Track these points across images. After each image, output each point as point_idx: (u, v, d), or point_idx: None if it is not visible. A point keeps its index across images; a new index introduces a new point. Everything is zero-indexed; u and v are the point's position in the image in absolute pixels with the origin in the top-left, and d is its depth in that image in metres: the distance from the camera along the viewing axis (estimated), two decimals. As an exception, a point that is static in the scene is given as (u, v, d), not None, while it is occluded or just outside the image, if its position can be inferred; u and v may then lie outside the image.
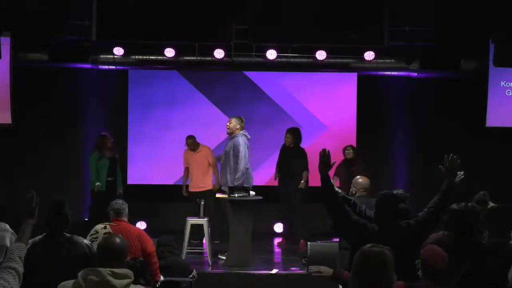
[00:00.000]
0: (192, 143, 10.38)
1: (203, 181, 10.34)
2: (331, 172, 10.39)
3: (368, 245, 3.27)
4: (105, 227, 6.14)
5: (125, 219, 6.28)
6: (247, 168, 8.94)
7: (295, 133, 10.43)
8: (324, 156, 5.08)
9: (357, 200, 6.07)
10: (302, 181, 10.18)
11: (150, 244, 6.25)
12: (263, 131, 11.04)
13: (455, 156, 5.01)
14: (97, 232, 6.12)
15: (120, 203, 6.35)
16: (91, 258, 4.56)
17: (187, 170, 10.51)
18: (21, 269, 3.70)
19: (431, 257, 4.08)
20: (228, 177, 8.87)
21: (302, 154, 10.36)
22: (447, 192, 5.04)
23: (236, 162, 8.79)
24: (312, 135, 11.65)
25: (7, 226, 5.35)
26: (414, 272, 4.16)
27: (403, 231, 4.95)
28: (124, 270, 3.47)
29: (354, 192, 6.47)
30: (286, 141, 10.40)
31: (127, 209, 6.34)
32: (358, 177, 6.58)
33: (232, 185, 8.66)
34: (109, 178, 10.22)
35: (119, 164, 10.49)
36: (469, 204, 5.30)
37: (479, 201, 6.30)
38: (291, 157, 10.29)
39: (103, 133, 10.43)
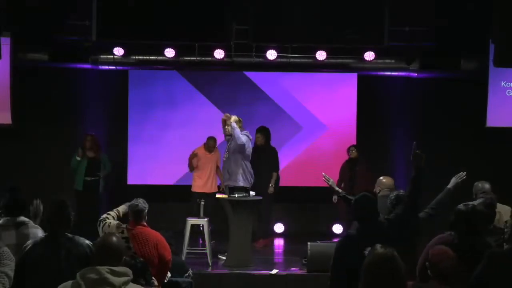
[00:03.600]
0: (214, 145, 10.39)
1: (213, 183, 10.36)
2: (337, 174, 10.51)
3: (378, 246, 3.27)
4: (122, 232, 5.90)
5: (144, 221, 6.01)
6: (248, 168, 8.94)
7: (265, 132, 10.40)
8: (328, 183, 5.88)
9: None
10: (271, 185, 10.13)
11: (168, 252, 5.99)
12: (263, 131, 11.02)
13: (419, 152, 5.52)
14: None
15: (141, 203, 6.03)
16: (92, 258, 4.55)
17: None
18: (11, 273, 3.70)
19: (436, 256, 4.09)
20: (235, 175, 8.83)
21: (272, 154, 10.34)
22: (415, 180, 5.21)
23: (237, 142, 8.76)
24: (312, 135, 11.66)
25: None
26: None
27: (382, 227, 5.01)
28: (122, 268, 3.49)
29: (378, 191, 6.45)
30: (257, 140, 10.32)
31: (147, 209, 6.03)
32: (382, 177, 6.57)
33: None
34: (88, 178, 10.16)
35: (104, 163, 10.38)
36: (475, 206, 5.31)
37: (487, 205, 6.27)
38: (261, 157, 10.23)
39: (87, 133, 10.42)
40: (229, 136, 8.96)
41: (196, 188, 10.38)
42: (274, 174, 10.25)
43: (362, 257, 3.30)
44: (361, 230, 5.00)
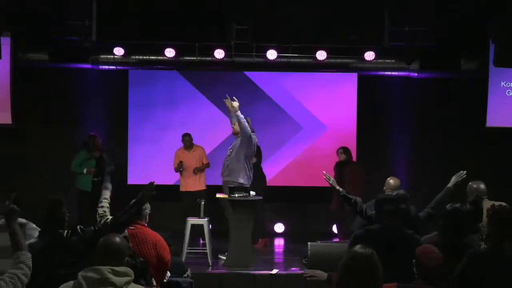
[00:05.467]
0: (189, 140, 10.43)
1: (200, 181, 10.41)
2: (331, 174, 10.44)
3: (357, 246, 3.28)
4: None
5: (144, 221, 5.95)
6: (249, 166, 8.94)
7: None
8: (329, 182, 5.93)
9: (357, 199, 6.11)
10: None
11: (167, 252, 5.94)
12: (263, 131, 11.01)
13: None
14: None
15: None
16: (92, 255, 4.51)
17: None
18: (23, 277, 3.67)
19: (423, 255, 4.09)
20: (236, 172, 8.84)
21: (259, 151, 10.28)
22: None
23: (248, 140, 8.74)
24: (312, 136, 11.65)
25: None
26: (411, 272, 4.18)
27: (402, 231, 4.99)
28: (124, 269, 3.48)
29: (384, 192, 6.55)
30: None
31: (148, 209, 5.96)
32: (389, 178, 6.73)
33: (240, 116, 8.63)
34: (96, 179, 10.20)
35: (108, 163, 10.44)
36: (459, 206, 5.32)
37: (473, 202, 6.28)
38: None
39: (92, 133, 10.44)
40: (237, 135, 8.97)
41: (183, 188, 10.49)
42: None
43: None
44: (381, 230, 5.02)
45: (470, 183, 6.69)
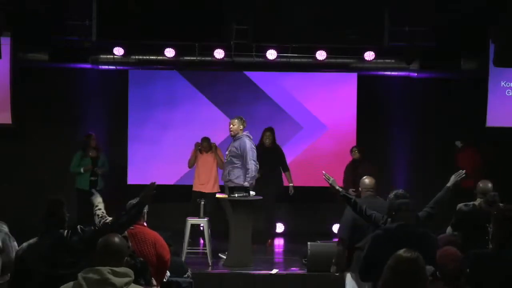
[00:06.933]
0: (207, 146, 10.36)
1: (214, 183, 10.36)
2: (337, 173, 10.49)
3: (401, 250, 3.30)
4: None
5: (143, 221, 5.96)
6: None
7: (273, 132, 10.42)
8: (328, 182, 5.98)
9: (359, 199, 6.10)
10: (291, 184, 10.33)
11: (166, 251, 5.96)
12: (264, 131, 11.03)
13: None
14: None
15: None
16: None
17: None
18: None
19: (442, 258, 4.11)
20: (234, 176, 8.85)
21: (280, 152, 10.41)
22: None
23: (246, 163, 8.76)
24: (312, 135, 11.65)
25: (5, 227, 5.42)
26: None
27: (416, 230, 4.98)
28: (124, 269, 3.48)
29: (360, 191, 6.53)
30: (267, 140, 10.29)
31: (146, 209, 5.88)
32: (364, 177, 6.65)
33: (247, 185, 8.64)
34: (92, 178, 10.23)
35: (101, 163, 10.44)
36: (477, 204, 5.29)
37: (489, 202, 6.26)
38: (270, 156, 10.19)
39: (89, 133, 10.45)
40: (234, 136, 8.97)
41: (195, 187, 10.40)
42: (287, 173, 10.40)
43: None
44: (397, 230, 5.00)
45: (478, 182, 6.69)
